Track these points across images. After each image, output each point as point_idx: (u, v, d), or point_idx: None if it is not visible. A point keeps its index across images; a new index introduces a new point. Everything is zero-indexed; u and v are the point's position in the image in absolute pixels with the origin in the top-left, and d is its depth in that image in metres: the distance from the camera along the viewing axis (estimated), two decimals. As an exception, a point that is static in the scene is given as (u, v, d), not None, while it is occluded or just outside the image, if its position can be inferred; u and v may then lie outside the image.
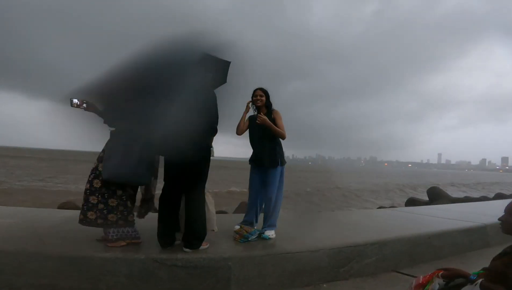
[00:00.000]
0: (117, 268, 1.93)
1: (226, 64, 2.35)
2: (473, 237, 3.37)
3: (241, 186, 17.55)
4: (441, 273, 1.39)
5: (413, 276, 2.62)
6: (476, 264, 2.86)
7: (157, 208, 2.31)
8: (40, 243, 2.07)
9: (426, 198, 11.33)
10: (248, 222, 2.75)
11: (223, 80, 2.43)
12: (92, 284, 1.90)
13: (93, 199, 2.12)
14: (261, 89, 2.75)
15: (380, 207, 10.15)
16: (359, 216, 4.39)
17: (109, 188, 2.13)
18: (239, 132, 2.81)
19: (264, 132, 2.68)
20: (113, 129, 2.25)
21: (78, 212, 4.16)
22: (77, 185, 15.94)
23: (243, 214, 2.91)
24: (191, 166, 2.20)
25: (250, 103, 2.79)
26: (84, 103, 2.15)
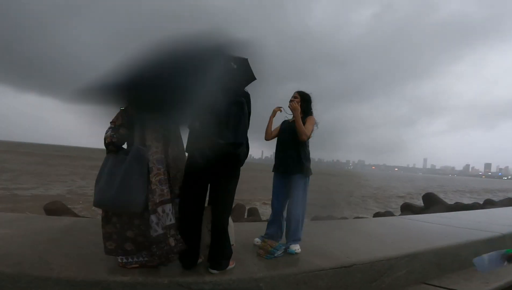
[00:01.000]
0: (137, 294, 1.68)
1: (245, 61, 2.14)
2: (494, 247, 3.29)
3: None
4: None
5: (442, 287, 2.52)
6: (500, 272, 2.79)
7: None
8: (44, 264, 1.79)
9: (420, 203, 11.40)
10: (271, 235, 2.54)
11: (252, 78, 2.22)
12: (108, 313, 1.65)
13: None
14: (298, 92, 2.67)
15: (376, 213, 10.12)
16: (375, 224, 4.27)
17: (107, 214, 1.89)
18: (267, 136, 2.71)
19: (293, 138, 2.52)
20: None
21: (75, 219, 3.81)
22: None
23: (245, 222, 2.71)
24: (225, 170, 1.94)
25: (282, 109, 2.69)
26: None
